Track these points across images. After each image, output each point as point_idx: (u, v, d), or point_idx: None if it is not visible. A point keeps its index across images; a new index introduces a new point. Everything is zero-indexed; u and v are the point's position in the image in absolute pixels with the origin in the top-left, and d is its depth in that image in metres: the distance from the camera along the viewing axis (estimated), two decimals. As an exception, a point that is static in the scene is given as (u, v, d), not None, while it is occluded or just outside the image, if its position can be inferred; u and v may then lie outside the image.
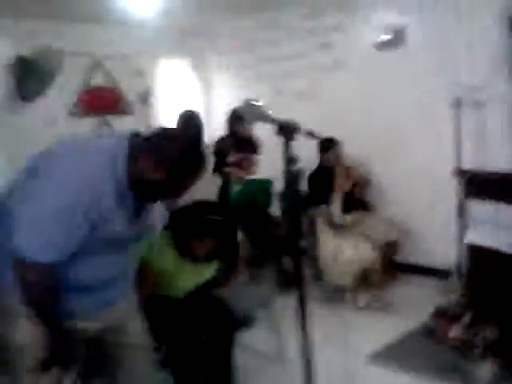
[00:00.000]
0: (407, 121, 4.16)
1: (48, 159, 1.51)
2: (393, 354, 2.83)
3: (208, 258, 2.25)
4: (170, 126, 1.64)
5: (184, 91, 5.60)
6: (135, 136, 1.52)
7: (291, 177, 1.56)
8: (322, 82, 4.70)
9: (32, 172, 1.50)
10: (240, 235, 3.92)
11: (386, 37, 4.14)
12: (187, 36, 5.51)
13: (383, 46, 4.19)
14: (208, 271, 2.35)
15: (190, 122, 1.82)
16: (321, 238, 3.76)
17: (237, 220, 3.74)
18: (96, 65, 4.93)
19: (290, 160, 1.54)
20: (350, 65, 4.48)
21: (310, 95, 4.80)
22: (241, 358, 2.76)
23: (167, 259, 2.16)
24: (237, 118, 4.07)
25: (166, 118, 5.40)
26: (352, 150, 4.26)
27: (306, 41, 4.78)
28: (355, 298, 3.58)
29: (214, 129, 5.66)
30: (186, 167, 1.48)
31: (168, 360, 2.09)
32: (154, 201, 1.62)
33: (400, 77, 4.13)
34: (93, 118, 4.93)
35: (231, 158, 3.97)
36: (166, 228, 2.12)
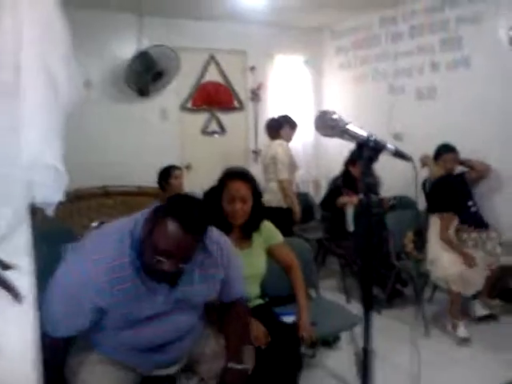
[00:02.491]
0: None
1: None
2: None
3: (245, 231, 2.28)
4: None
5: (296, 88, 5.49)
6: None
7: (368, 205, 1.35)
8: (443, 82, 4.28)
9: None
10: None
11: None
12: (304, 33, 5.40)
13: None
14: (259, 260, 2.31)
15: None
16: (436, 249, 3.39)
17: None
18: (210, 60, 5.04)
19: (368, 186, 1.34)
20: (476, 63, 3.99)
21: (429, 95, 4.40)
22: (319, 380, 2.72)
23: None
24: (351, 160, 4.02)
25: (276, 114, 5.36)
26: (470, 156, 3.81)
27: (428, 36, 4.37)
28: (456, 326, 3.18)
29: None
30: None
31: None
32: (159, 278, 1.55)
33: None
34: (204, 112, 5.06)
35: (342, 200, 4.01)
36: None
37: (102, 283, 1.47)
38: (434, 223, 3.41)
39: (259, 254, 2.34)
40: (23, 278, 1.29)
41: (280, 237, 2.43)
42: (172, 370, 1.78)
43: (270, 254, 2.39)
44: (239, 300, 1.90)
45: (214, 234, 1.76)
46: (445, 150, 3.74)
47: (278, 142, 4.24)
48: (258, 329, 2.10)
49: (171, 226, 1.43)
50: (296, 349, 2.14)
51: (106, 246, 1.52)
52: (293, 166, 4.24)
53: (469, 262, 3.19)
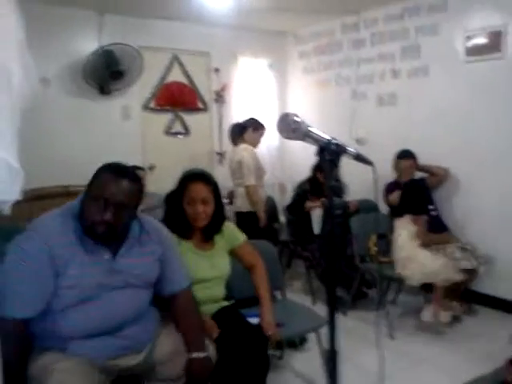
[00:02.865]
0: (494, 139, 3.70)
1: None
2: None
3: (207, 234, 2.26)
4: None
5: (260, 91, 5.50)
6: None
7: (331, 208, 1.35)
8: (403, 88, 4.39)
9: None
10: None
11: (479, 40, 3.72)
12: (268, 36, 5.43)
13: (475, 51, 3.77)
14: (222, 261, 2.31)
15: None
16: (408, 249, 3.45)
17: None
18: (174, 61, 4.97)
19: (332, 189, 1.34)
20: (434, 71, 4.12)
21: (390, 101, 4.51)
22: (286, 381, 2.74)
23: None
24: (319, 167, 3.99)
25: (240, 116, 5.35)
26: (430, 162, 3.93)
27: (389, 44, 4.48)
28: (438, 315, 3.29)
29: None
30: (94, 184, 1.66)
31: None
32: (98, 235, 1.64)
33: (491, 87, 3.69)
34: (167, 113, 4.99)
35: (309, 204, 4.05)
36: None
37: (52, 247, 1.57)
38: (403, 226, 3.49)
39: (222, 256, 2.33)
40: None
41: (242, 237, 2.42)
42: (132, 361, 1.74)
43: (234, 254, 2.38)
44: (186, 290, 1.93)
45: (149, 217, 1.91)
46: (403, 156, 3.85)
47: (243, 146, 4.18)
48: (206, 320, 2.09)
49: (105, 176, 1.65)
50: (263, 349, 2.12)
51: (50, 223, 1.64)
52: (260, 170, 4.18)
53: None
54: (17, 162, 1.32)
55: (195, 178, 2.22)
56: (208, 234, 2.28)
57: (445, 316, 3.25)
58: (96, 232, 1.62)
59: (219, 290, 2.32)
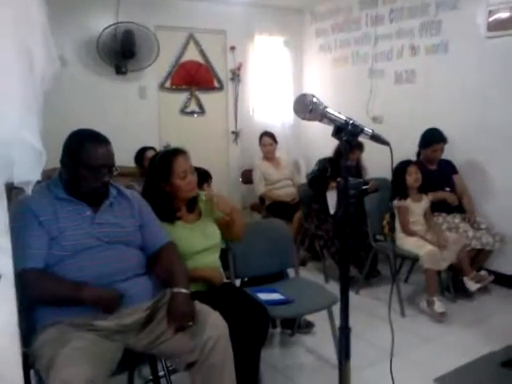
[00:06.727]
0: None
1: None
2: (463, 380, 2.54)
3: (191, 204, 2.32)
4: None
5: (276, 69, 5.46)
6: None
7: (346, 188, 1.37)
8: (422, 66, 4.31)
9: None
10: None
11: (502, 15, 3.62)
12: (285, 14, 5.36)
13: (497, 26, 3.67)
14: (212, 229, 2.35)
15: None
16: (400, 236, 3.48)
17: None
18: (190, 39, 4.96)
19: (347, 169, 1.36)
20: (455, 48, 4.02)
21: (408, 79, 4.44)
22: (298, 359, 2.78)
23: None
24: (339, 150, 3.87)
25: (256, 95, 5.33)
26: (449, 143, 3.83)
27: (408, 20, 4.38)
28: (432, 303, 3.25)
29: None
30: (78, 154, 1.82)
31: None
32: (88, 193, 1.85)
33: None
34: (183, 92, 5.01)
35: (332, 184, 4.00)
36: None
37: (38, 208, 1.78)
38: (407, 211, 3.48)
39: (210, 223, 2.36)
40: (1, 256, 1.30)
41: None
42: (127, 319, 1.79)
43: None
44: (168, 245, 2.04)
45: (122, 187, 2.08)
46: (436, 140, 3.68)
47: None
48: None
49: (88, 146, 1.83)
50: (264, 323, 2.13)
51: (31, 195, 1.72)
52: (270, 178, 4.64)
53: (441, 244, 3.30)
54: (40, 144, 1.36)
55: (177, 152, 2.25)
56: (192, 204, 2.32)
57: (439, 306, 3.21)
58: (97, 195, 1.87)
59: (216, 260, 2.36)
